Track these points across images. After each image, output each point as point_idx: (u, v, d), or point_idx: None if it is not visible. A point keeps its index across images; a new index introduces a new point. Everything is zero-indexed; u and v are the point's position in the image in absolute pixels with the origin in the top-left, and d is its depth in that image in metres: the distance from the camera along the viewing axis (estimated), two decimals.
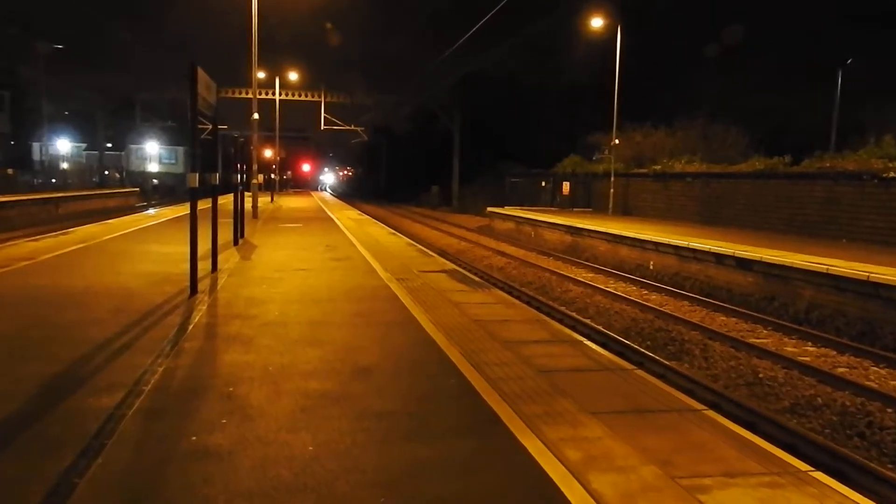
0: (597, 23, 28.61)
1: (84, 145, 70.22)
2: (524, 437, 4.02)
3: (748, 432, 4.36)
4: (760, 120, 31.94)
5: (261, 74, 31.25)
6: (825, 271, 12.11)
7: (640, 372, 5.59)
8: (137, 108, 61.69)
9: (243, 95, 46.97)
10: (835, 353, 10.33)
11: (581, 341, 6.54)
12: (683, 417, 4.48)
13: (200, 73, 8.70)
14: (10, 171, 40.33)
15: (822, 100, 31.51)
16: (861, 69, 31.31)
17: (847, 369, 9.54)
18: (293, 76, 45.82)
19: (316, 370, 5.30)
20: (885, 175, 17.09)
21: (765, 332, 11.67)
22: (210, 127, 11.25)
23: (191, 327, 6.66)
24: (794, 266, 12.78)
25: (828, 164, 19.48)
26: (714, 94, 36.68)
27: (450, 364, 5.54)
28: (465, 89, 53.89)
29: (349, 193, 74.73)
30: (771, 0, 41.94)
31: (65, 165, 60.98)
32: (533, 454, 3.80)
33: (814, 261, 12.71)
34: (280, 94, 45.47)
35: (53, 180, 44.72)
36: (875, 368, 9.59)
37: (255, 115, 22.17)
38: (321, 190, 73.95)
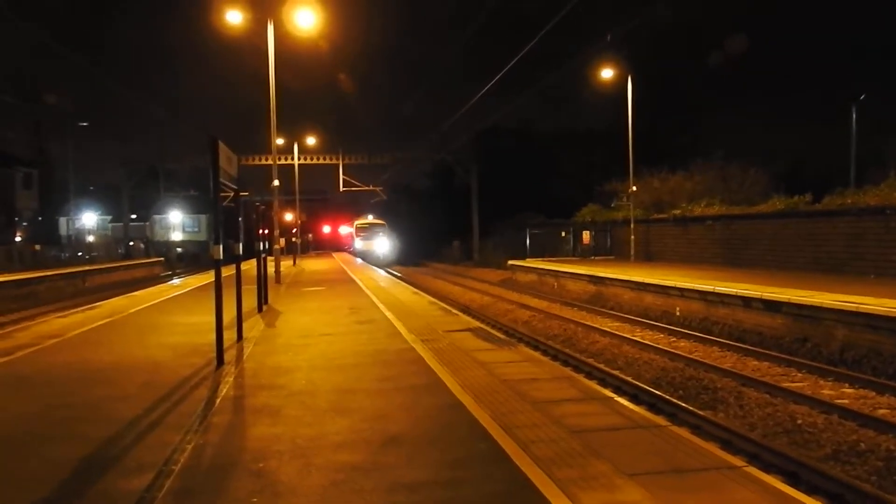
0: (607, 73, 28.95)
1: (109, 217, 71.68)
2: None
3: (791, 489, 4.23)
4: (778, 158, 31.92)
5: (280, 141, 31.94)
6: (856, 310, 11.87)
7: (675, 427, 5.47)
8: (161, 178, 62.97)
9: (263, 162, 47.84)
10: (874, 394, 10.06)
11: (612, 397, 6.43)
12: (724, 476, 4.35)
13: (221, 146, 8.90)
14: (37, 247, 41.16)
15: (840, 134, 31.46)
16: (878, 100, 31.30)
17: (888, 411, 9.26)
18: (311, 140, 46.69)
19: (346, 441, 5.24)
20: None
21: (799, 375, 11.41)
22: (232, 194, 11.44)
23: (218, 400, 6.65)
24: (824, 306, 12.55)
25: (849, 201, 19.29)
26: (730, 133, 36.79)
27: (480, 428, 5.46)
28: (481, 143, 54.56)
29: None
30: (785, 34, 42.40)
31: (90, 238, 62.16)
32: None
33: (844, 299, 12.47)
34: (299, 159, 46.26)
35: (80, 253, 45.51)
36: None
37: (276, 182, 22.53)
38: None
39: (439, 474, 4.52)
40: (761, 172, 29.40)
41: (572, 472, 4.40)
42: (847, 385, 10.57)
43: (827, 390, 10.39)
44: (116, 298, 18.59)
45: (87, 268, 35.13)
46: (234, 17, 19.80)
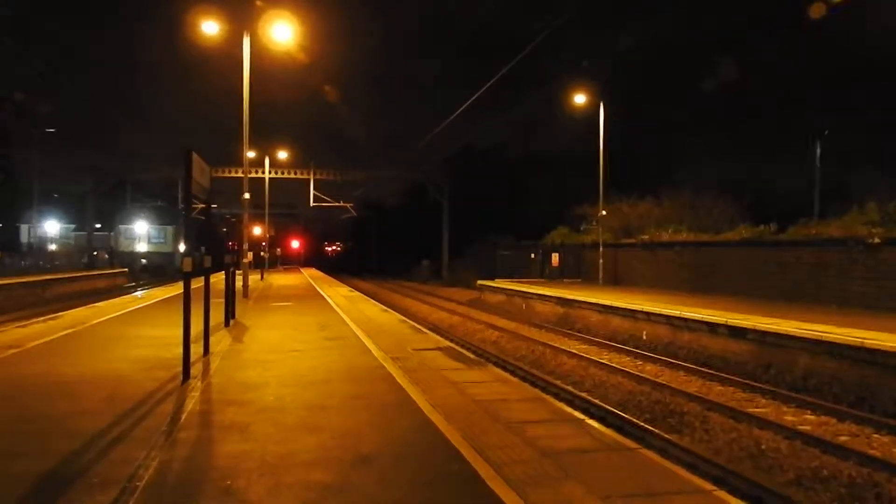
0: (580, 99, 29.35)
1: (73, 226, 70.38)
2: None
3: None
4: (745, 187, 32.49)
5: (251, 154, 31.72)
6: (819, 338, 12.11)
7: (645, 451, 5.50)
8: (128, 188, 62.10)
9: (233, 174, 47.53)
10: (835, 420, 10.23)
11: (582, 419, 6.46)
12: (694, 500, 4.39)
13: (195, 158, 8.81)
14: None
15: (806, 165, 32.29)
16: (843, 132, 32.17)
17: (849, 437, 9.43)
18: (283, 154, 46.45)
19: (316, 459, 5.18)
20: (869, 241, 17.28)
21: (763, 400, 11.57)
22: (201, 206, 11.30)
23: (184, 415, 6.53)
24: (788, 333, 12.78)
25: (813, 231, 19.74)
26: (698, 163, 37.45)
27: (451, 448, 5.44)
28: (454, 163, 54.86)
29: (339, 269, 74.74)
30: (753, 66, 43.46)
31: (52, 247, 60.92)
32: None
33: (806, 327, 12.71)
34: (270, 173, 45.97)
35: (41, 262, 44.53)
36: (877, 436, 9.48)
37: (246, 195, 22.34)
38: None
39: (413, 495, 4.48)
40: (729, 202, 29.86)
41: (546, 495, 4.40)
42: (809, 412, 10.74)
43: (790, 416, 10.54)
44: (78, 309, 18.21)
45: (47, 277, 34.35)
46: (211, 28, 19.68)
